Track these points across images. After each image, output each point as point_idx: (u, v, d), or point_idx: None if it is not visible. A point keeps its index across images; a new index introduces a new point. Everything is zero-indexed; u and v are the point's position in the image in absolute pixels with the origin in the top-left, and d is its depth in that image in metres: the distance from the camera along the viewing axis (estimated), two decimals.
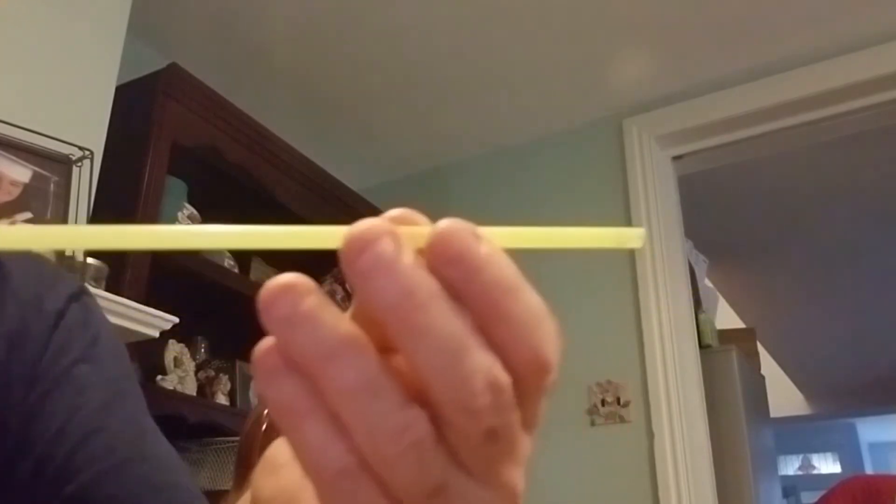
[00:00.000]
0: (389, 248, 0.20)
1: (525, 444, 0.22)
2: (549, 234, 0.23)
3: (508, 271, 0.21)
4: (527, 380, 0.21)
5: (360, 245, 0.20)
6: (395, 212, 0.22)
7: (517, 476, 0.22)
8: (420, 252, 0.20)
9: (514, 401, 0.21)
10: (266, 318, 0.20)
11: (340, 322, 0.20)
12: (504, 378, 0.20)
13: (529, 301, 0.21)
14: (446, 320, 0.20)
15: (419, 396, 0.20)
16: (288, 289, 0.20)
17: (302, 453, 0.21)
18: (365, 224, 0.20)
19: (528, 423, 0.22)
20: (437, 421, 0.20)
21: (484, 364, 0.20)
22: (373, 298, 0.20)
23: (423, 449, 0.20)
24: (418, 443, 0.20)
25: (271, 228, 0.21)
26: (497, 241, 0.21)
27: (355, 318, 0.22)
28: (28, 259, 0.57)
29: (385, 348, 0.20)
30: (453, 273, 0.20)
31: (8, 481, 0.48)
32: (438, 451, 0.20)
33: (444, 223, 0.20)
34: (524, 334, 0.20)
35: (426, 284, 0.20)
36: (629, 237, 0.24)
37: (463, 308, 0.20)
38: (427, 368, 0.20)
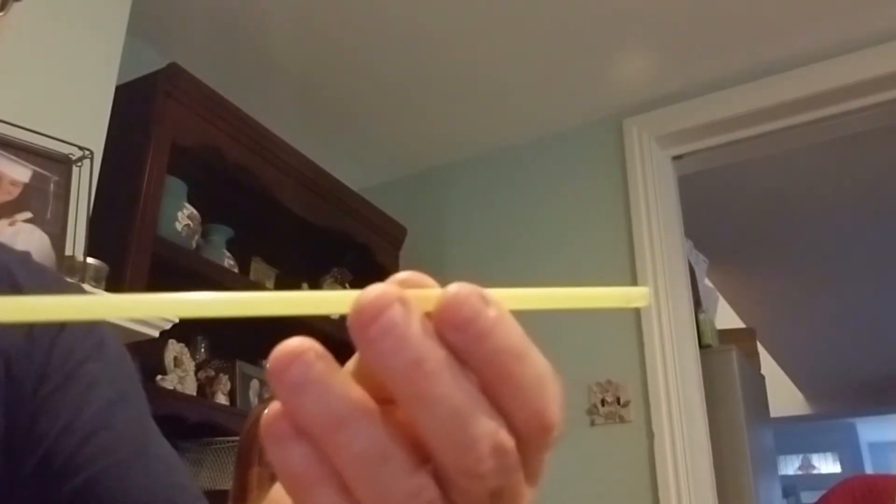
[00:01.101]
0: (399, 315, 0.20)
1: (528, 496, 0.22)
2: (556, 296, 0.23)
3: (516, 336, 0.21)
4: (531, 440, 0.21)
5: (370, 312, 0.20)
6: (403, 275, 0.22)
7: None
8: (428, 315, 0.21)
9: (518, 461, 0.21)
10: (276, 385, 0.20)
11: (350, 388, 0.20)
12: (509, 442, 0.20)
13: (536, 365, 0.21)
14: (454, 389, 0.20)
15: (422, 450, 0.20)
16: (298, 355, 0.20)
17: None
18: (375, 290, 0.20)
19: (531, 478, 0.22)
20: (441, 480, 0.20)
21: (490, 429, 0.20)
22: (382, 366, 0.20)
23: None
24: None
25: (277, 294, 0.21)
26: (504, 303, 0.21)
27: (355, 373, 0.22)
28: (35, 269, 0.59)
29: (385, 399, 0.21)
30: (462, 338, 0.20)
31: (15, 476, 0.49)
32: None
33: (454, 288, 0.21)
34: (530, 398, 0.21)
35: (435, 353, 0.20)
36: (634, 296, 0.24)
37: (469, 372, 0.20)
38: (433, 435, 0.20)
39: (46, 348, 0.53)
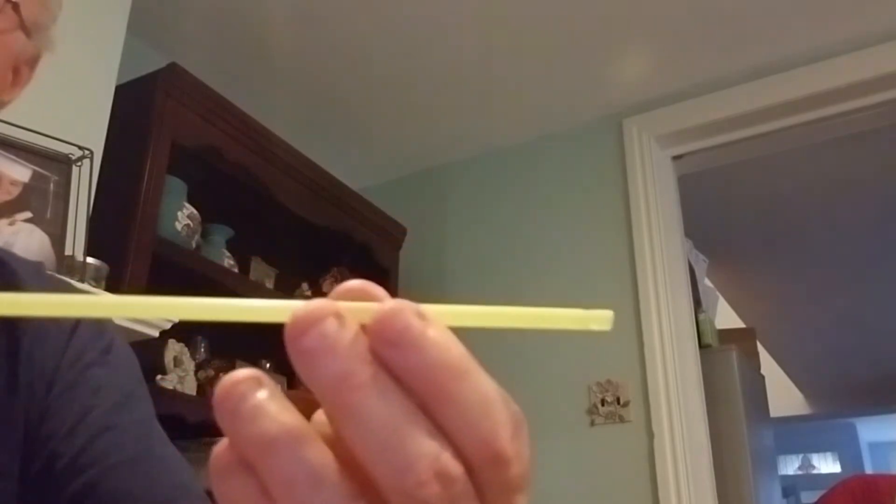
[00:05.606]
0: (331, 328, 0.19)
1: None
2: (505, 314, 0.21)
3: (454, 353, 0.20)
4: (483, 472, 0.20)
5: (304, 324, 0.19)
6: (351, 283, 0.22)
7: None
8: (365, 329, 0.20)
9: (471, 493, 0.19)
10: (217, 414, 0.20)
11: (283, 414, 0.20)
12: (455, 468, 0.19)
13: (478, 385, 0.20)
14: (384, 403, 0.19)
15: (370, 482, 0.20)
16: (237, 384, 0.20)
17: None
18: (311, 303, 0.20)
19: None
20: None
21: (429, 451, 0.19)
22: (311, 378, 0.20)
23: None
24: None
25: (224, 301, 0.21)
26: (449, 320, 0.20)
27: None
28: (43, 276, 0.61)
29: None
30: (395, 354, 0.20)
31: (22, 477, 0.50)
32: None
33: (390, 303, 0.20)
34: (472, 421, 0.20)
35: (365, 366, 0.19)
36: (595, 319, 0.22)
37: (408, 392, 0.20)
38: (368, 453, 0.19)
39: (58, 353, 0.54)
